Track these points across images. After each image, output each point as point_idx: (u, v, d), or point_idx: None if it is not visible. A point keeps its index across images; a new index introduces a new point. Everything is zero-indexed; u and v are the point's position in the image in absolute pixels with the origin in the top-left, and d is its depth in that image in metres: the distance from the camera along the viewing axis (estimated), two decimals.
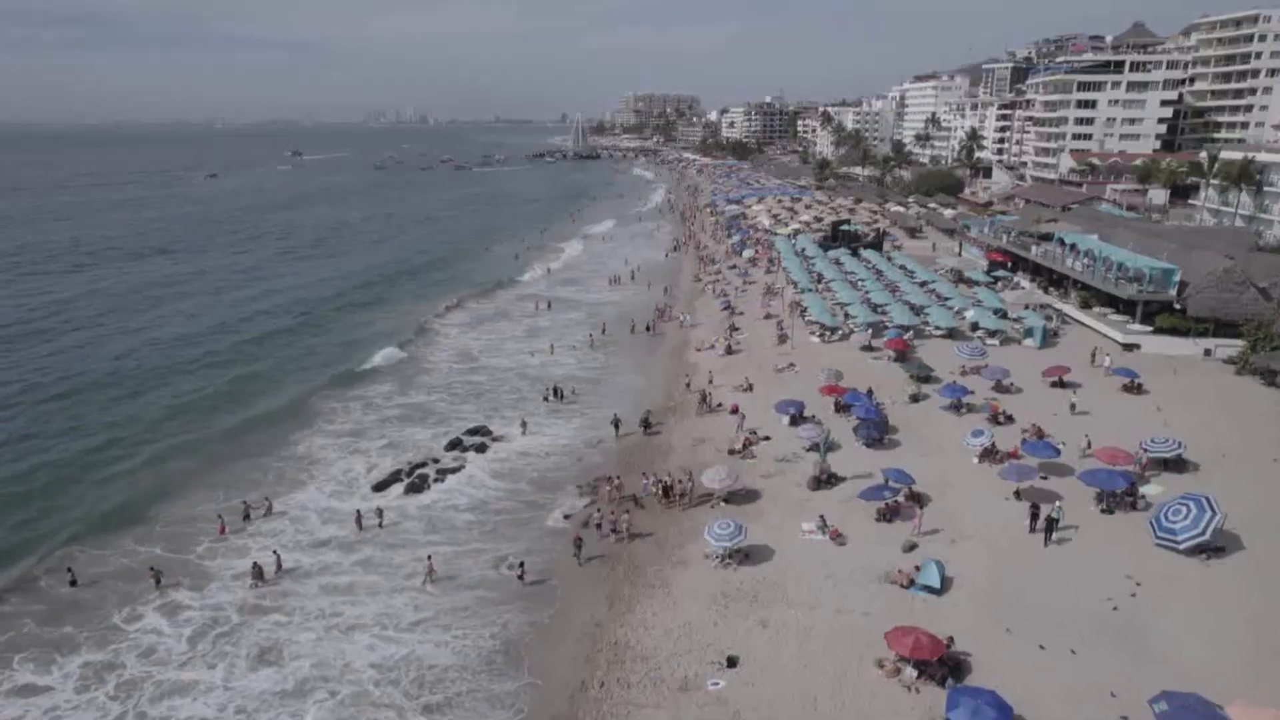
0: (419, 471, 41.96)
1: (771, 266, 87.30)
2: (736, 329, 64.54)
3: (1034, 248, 70.24)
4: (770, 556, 31.68)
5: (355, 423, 49.68)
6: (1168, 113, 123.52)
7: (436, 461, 43.36)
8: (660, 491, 37.43)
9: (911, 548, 31.42)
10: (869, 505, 34.16)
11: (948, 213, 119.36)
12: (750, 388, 50.64)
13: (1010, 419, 43.13)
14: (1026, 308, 61.57)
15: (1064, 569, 29.27)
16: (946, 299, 65.19)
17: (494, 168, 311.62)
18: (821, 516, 33.37)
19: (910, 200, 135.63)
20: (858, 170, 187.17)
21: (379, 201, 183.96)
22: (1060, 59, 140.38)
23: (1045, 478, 35.85)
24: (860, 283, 72.26)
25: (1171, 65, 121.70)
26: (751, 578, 30.33)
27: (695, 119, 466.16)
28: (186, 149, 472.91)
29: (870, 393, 46.68)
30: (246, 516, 36.74)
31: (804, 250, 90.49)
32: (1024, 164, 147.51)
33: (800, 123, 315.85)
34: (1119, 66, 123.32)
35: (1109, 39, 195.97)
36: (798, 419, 44.32)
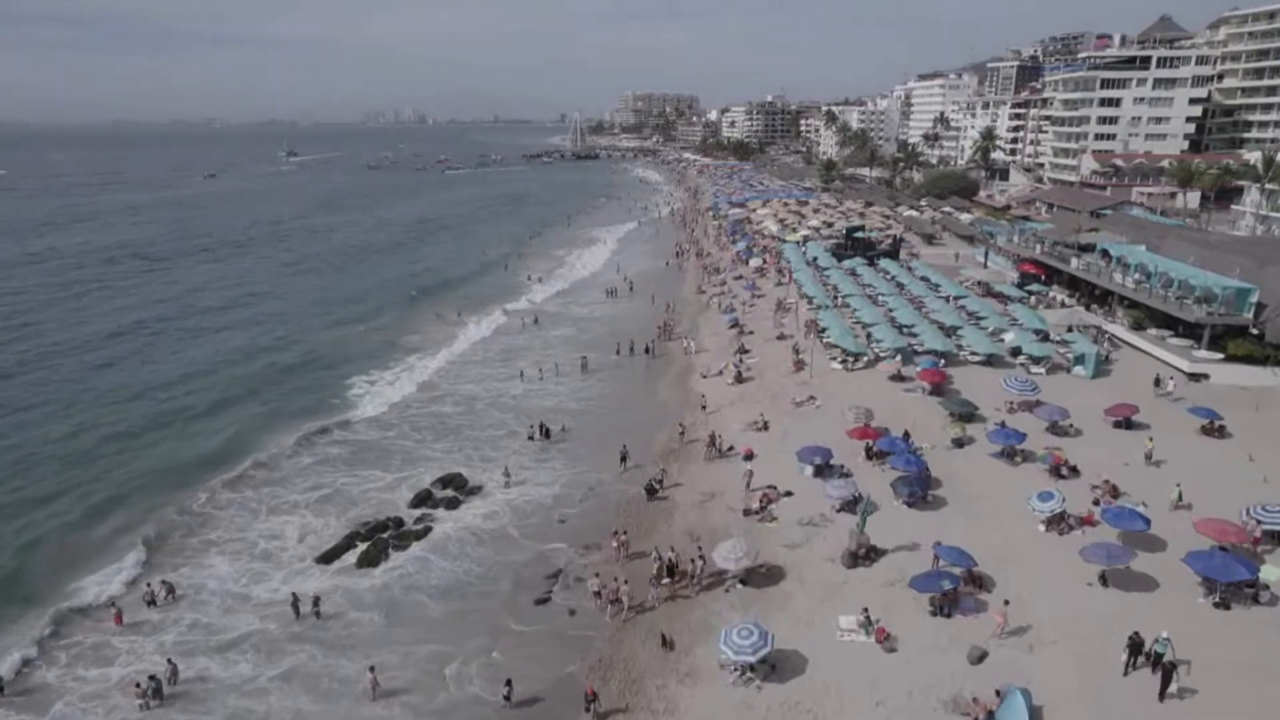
0: (377, 537, 35.37)
1: (781, 278, 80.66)
2: (746, 351, 57.93)
3: (1074, 260, 63.62)
4: (802, 668, 25.11)
5: (279, 467, 42.33)
6: (1196, 111, 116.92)
7: (399, 524, 36.70)
8: (664, 571, 30.85)
9: (981, 657, 24.88)
10: (920, 593, 27.66)
11: (965, 217, 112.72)
12: (765, 425, 44.06)
13: (1075, 470, 36.57)
14: (1071, 329, 55.02)
15: (1189, 692, 22.71)
16: (980, 318, 58.57)
17: (491, 168, 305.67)
18: (865, 611, 26.78)
19: (923, 203, 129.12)
20: (865, 171, 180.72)
21: (369, 206, 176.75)
22: (1082, 55, 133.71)
23: (1134, 553, 29.24)
24: (882, 299, 65.65)
25: (1201, 61, 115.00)
26: (781, 702, 23.79)
27: (695, 118, 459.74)
28: (185, 149, 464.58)
29: (907, 436, 40.15)
30: (151, 603, 30.02)
31: (815, 259, 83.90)
32: (1040, 165, 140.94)
33: (803, 122, 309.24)
34: (1145, 63, 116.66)
35: (1116, 37, 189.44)
36: (824, 469, 37.80)
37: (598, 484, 40.02)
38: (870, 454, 39.34)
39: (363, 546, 34.54)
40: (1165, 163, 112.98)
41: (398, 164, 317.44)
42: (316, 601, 29.63)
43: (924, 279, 73.34)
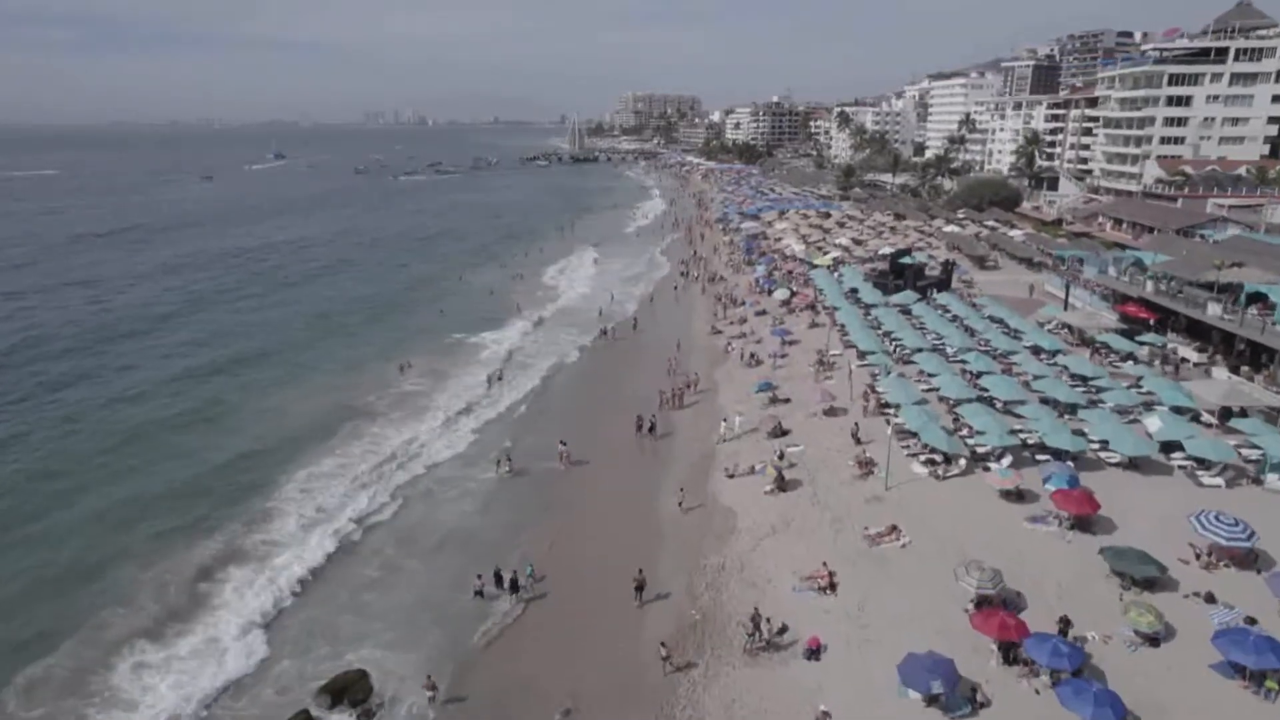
0: None
1: (815, 315, 65.69)
2: (785, 432, 42.99)
3: (1211, 305, 48.73)
4: None
5: (69, 655, 27.16)
6: (1279, 110, 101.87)
7: None
8: None
9: None
10: None
11: (1015, 234, 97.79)
12: (832, 584, 29.17)
13: None
14: (1232, 412, 40.00)
15: None
16: (1100, 389, 43.62)
17: (487, 171, 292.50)
18: None
19: (961, 215, 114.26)
20: (886, 178, 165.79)
21: (350, 215, 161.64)
22: (1146, 46, 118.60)
23: None
24: (956, 354, 50.75)
25: None
26: None
27: (697, 120, 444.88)
28: (183, 151, 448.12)
29: (1065, 628, 25.27)
30: None
31: (855, 291, 69.02)
32: (1088, 172, 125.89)
33: (812, 124, 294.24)
34: (1221, 55, 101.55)
35: (1138, 35, 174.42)
36: (942, 699, 22.95)
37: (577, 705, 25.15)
38: (1010, 658, 24.57)
39: None
40: (1243, 170, 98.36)
41: (387, 167, 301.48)
42: None
43: (995, 320, 58.58)
